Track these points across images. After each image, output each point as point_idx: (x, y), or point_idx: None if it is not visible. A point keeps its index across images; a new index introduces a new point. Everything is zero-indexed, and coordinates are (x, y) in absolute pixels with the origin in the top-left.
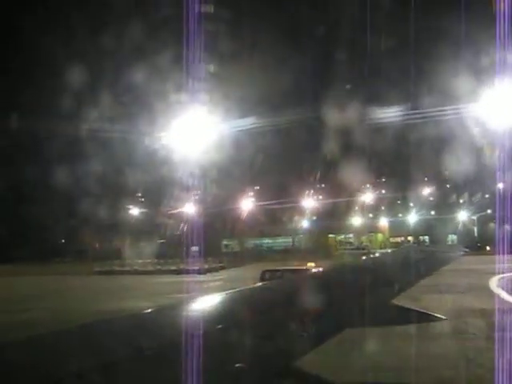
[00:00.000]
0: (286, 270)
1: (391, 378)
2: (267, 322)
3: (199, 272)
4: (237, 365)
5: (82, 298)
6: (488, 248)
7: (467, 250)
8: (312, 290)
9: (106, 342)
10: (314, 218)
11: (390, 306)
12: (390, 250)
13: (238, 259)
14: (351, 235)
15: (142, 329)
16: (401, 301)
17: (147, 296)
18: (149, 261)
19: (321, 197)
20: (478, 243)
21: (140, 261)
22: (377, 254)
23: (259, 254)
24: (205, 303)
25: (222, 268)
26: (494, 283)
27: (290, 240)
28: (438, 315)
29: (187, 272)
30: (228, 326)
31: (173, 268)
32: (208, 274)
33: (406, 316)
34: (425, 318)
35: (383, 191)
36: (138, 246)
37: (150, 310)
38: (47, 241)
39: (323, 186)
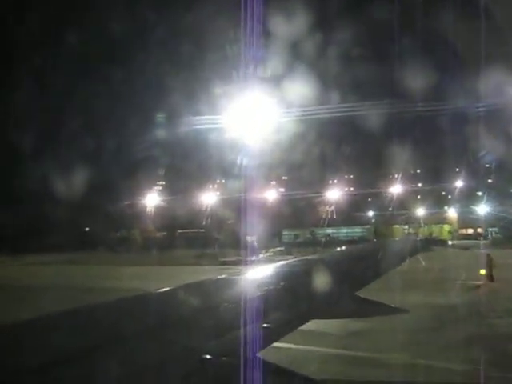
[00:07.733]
0: None
1: None
2: None
3: None
4: (202, 356)
5: None
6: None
7: None
8: None
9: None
10: (390, 208)
11: None
12: None
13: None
14: (406, 226)
15: None
16: None
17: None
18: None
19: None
20: None
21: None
22: None
23: (331, 244)
24: None
25: None
26: None
27: (356, 230)
28: None
29: None
30: None
31: None
32: None
33: None
34: None
35: (458, 182)
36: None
37: None
38: (78, 229)
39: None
